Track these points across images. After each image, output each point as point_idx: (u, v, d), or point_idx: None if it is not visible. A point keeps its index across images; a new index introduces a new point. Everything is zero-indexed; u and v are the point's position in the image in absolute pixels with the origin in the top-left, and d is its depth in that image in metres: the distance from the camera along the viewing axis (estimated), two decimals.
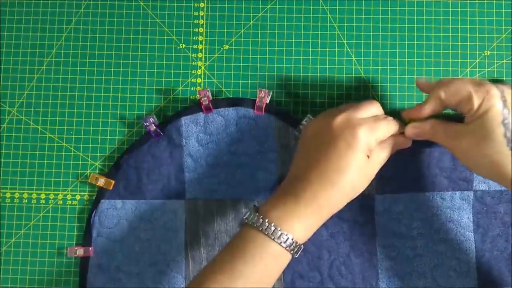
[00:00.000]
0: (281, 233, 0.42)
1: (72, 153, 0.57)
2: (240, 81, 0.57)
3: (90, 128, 0.57)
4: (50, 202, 0.56)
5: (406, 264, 0.53)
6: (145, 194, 0.55)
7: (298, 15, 0.58)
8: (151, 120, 0.54)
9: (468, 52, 0.56)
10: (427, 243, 0.53)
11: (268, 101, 0.55)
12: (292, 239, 0.43)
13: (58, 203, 0.56)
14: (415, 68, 0.56)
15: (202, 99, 0.54)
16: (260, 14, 0.58)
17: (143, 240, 0.54)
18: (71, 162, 0.57)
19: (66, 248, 0.55)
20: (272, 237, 0.42)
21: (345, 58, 0.57)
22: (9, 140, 0.57)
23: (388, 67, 0.57)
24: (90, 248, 0.54)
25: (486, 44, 0.56)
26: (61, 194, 0.56)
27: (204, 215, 0.54)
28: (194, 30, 0.58)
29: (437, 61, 0.57)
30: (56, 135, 0.57)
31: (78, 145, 0.57)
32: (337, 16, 0.57)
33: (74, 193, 0.56)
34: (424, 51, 0.57)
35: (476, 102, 0.44)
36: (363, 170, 0.45)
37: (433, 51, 0.57)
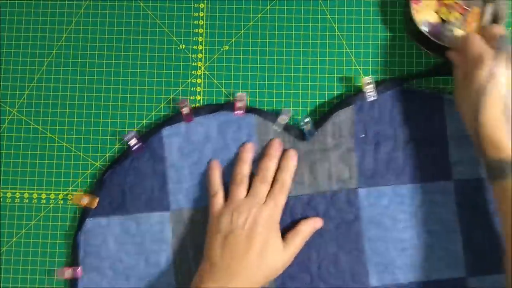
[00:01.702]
0: None
1: (72, 153, 0.57)
2: (240, 82, 0.57)
3: (90, 128, 0.57)
4: (50, 202, 0.56)
5: (394, 258, 0.53)
6: (130, 208, 0.55)
7: (298, 15, 0.58)
8: (132, 134, 0.54)
9: None
10: (414, 236, 0.53)
11: (246, 102, 0.55)
12: None
13: (59, 203, 0.56)
14: (414, 68, 0.57)
15: (183, 108, 0.55)
16: (260, 14, 0.58)
17: (131, 254, 0.54)
18: (71, 162, 0.57)
19: (55, 269, 0.55)
20: None
21: (345, 58, 0.57)
22: (9, 140, 0.57)
23: (388, 68, 0.57)
24: (78, 269, 0.54)
25: None
26: (62, 194, 0.56)
27: (189, 224, 0.54)
28: (194, 30, 0.58)
29: (436, 62, 0.57)
30: (56, 135, 0.57)
31: (78, 145, 0.57)
32: (337, 16, 0.57)
33: (74, 193, 0.56)
34: (423, 51, 0.57)
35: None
36: (281, 254, 0.51)
37: None
